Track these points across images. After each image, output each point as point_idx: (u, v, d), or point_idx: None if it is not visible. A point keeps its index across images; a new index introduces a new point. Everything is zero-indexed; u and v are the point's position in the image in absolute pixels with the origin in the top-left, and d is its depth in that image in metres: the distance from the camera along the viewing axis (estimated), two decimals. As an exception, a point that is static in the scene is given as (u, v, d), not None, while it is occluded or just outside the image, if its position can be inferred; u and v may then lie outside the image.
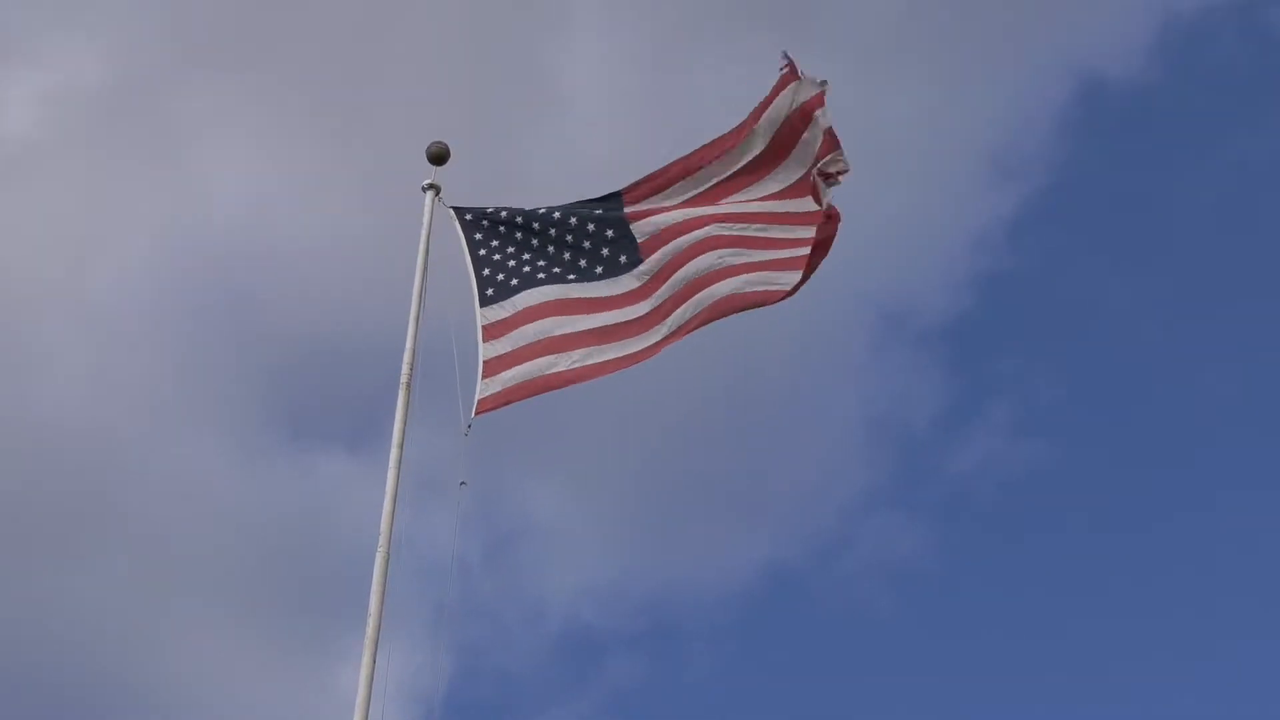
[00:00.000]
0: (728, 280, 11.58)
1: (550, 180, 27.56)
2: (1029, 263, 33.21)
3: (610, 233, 11.82)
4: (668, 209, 11.89)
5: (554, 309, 11.49)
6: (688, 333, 11.50)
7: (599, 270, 11.72)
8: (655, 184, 11.99)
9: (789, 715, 27.20)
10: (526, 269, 11.70)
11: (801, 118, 11.65)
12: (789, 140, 11.72)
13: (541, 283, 11.62)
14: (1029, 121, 33.43)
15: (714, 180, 11.93)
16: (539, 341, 11.30)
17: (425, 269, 11.61)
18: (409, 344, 11.30)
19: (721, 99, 31.78)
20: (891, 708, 27.28)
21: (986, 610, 29.40)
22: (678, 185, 11.97)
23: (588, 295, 11.56)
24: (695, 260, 11.65)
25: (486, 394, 11.00)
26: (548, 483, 24.30)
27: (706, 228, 11.76)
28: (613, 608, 28.71)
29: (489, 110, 29.45)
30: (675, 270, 11.61)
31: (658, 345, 11.39)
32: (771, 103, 11.77)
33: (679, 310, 11.49)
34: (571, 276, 11.67)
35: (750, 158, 11.85)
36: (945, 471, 30.58)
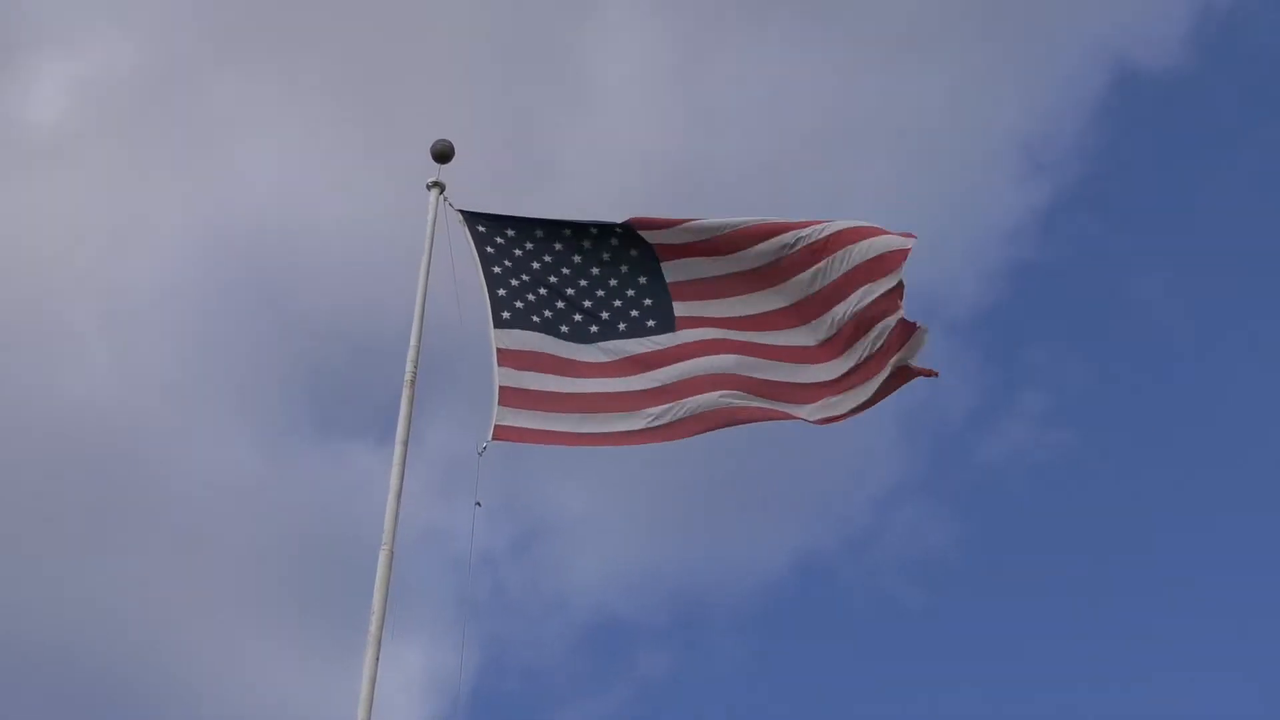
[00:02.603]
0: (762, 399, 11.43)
1: (576, 170, 27.56)
2: (1061, 253, 33.05)
3: (648, 301, 11.78)
4: (712, 299, 11.76)
5: (573, 369, 11.39)
6: (710, 429, 11.30)
7: (621, 328, 11.66)
8: (690, 249, 11.83)
9: (817, 707, 27.18)
10: (544, 311, 11.63)
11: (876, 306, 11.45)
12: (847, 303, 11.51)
13: (561, 335, 11.53)
14: (1063, 111, 33.23)
15: (761, 288, 11.76)
16: (563, 395, 11.21)
17: (429, 268, 11.60)
18: (413, 342, 11.30)
19: (748, 88, 31.83)
20: (920, 699, 27.23)
21: (1014, 601, 29.29)
22: (719, 261, 11.82)
23: (604, 359, 11.48)
24: (720, 357, 11.53)
25: (505, 423, 10.95)
26: (576, 475, 24.24)
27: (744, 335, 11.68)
28: (641, 600, 28.69)
29: (516, 100, 29.45)
30: (698, 354, 11.52)
31: (659, 432, 11.19)
32: (844, 236, 11.62)
33: (699, 398, 11.29)
34: (594, 329, 11.61)
35: (803, 294, 11.68)
36: (975, 461, 30.43)
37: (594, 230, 12.00)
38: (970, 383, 30.25)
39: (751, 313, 11.73)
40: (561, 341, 11.52)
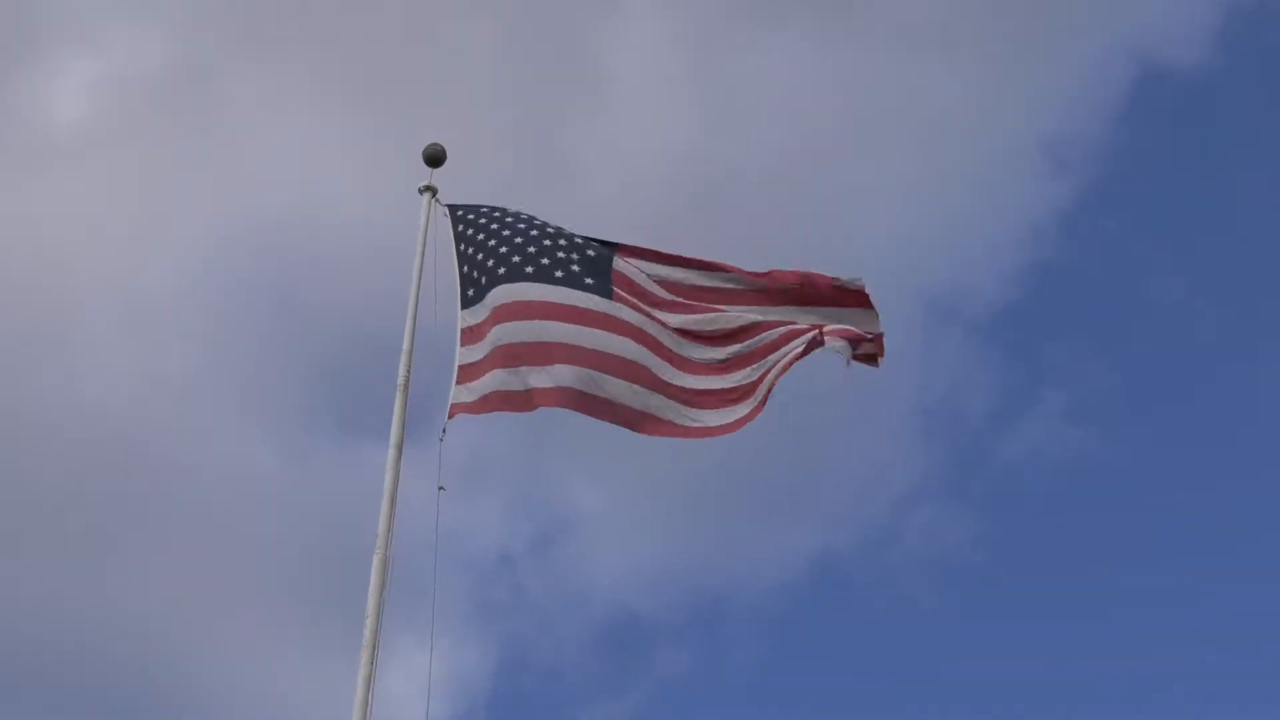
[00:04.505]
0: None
1: (592, 169, 27.57)
2: (1083, 253, 32.96)
3: (590, 253, 11.56)
4: (654, 261, 11.59)
5: (527, 310, 11.24)
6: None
7: (559, 276, 11.42)
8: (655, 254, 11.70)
9: (833, 707, 27.16)
10: (503, 267, 11.45)
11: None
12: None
13: (514, 279, 11.35)
14: (1085, 110, 33.16)
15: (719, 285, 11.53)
16: (511, 345, 11.11)
17: (421, 272, 11.64)
18: (405, 345, 11.33)
19: (765, 87, 31.78)
20: (937, 699, 27.19)
21: (1032, 602, 29.25)
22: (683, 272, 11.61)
23: (569, 302, 11.27)
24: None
25: (459, 400, 10.98)
26: (594, 474, 24.29)
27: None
28: (660, 598, 28.73)
29: (532, 98, 29.47)
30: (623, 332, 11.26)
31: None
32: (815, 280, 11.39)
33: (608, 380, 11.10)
34: (559, 275, 11.38)
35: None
36: (995, 461, 30.38)
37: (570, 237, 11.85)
38: (990, 382, 30.26)
39: (690, 284, 11.49)
40: (519, 284, 11.33)
